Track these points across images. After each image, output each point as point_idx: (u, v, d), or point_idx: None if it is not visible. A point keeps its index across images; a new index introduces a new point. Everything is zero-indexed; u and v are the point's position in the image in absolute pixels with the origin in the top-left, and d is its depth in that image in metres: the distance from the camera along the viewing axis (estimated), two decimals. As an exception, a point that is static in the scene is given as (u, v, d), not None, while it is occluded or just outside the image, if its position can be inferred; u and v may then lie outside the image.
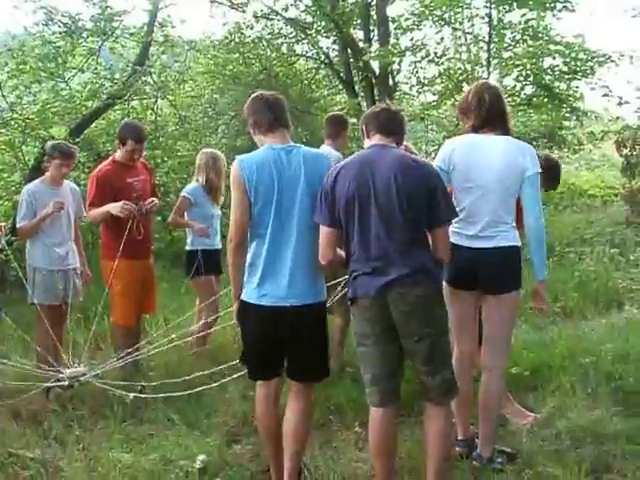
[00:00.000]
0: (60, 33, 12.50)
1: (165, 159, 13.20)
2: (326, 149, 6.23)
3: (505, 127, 4.48)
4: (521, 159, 4.34)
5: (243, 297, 4.19)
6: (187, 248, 6.89)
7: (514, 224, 4.46)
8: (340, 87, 17.49)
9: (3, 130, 10.77)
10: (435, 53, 14.46)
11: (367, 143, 4.11)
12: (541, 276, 4.48)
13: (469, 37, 14.84)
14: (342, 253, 4.08)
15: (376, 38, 15.35)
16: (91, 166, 11.05)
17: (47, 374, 5.67)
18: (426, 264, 3.88)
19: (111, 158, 6.43)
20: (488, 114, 4.44)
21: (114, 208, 5.97)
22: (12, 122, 10.91)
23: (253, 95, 4.37)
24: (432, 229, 3.95)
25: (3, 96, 11.33)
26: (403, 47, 14.33)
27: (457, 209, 4.16)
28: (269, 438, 4.30)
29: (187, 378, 5.39)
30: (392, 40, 14.67)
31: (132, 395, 5.30)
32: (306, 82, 17.47)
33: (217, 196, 6.91)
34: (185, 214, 6.82)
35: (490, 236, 4.36)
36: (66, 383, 5.55)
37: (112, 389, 5.43)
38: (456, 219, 4.19)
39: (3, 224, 6.28)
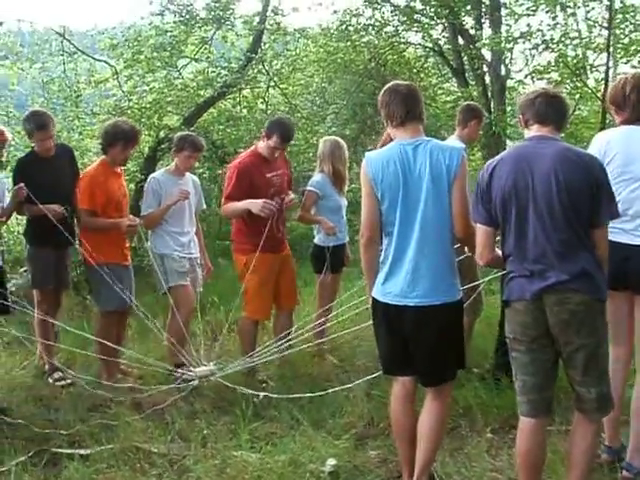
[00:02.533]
0: (175, 22, 12.56)
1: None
2: (451, 139, 6.01)
3: None
4: None
5: (373, 293, 4.11)
6: (317, 243, 6.65)
7: None
8: (449, 75, 17.14)
9: (120, 118, 10.86)
10: (551, 39, 13.92)
11: (526, 134, 3.84)
12: None
13: (583, 22, 14.30)
14: (500, 252, 3.84)
15: (488, 25, 14.92)
16: (205, 155, 11.08)
17: (177, 372, 5.69)
18: (589, 269, 3.58)
19: (253, 148, 6.20)
20: None
21: (254, 206, 5.77)
22: (128, 111, 11.01)
23: (386, 87, 4.19)
24: (592, 228, 3.65)
25: (120, 85, 11.46)
26: (516, 34, 13.87)
27: None
28: (403, 440, 4.15)
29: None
30: (504, 27, 14.23)
31: (262, 395, 5.16)
32: (415, 70, 17.16)
33: (343, 186, 6.65)
34: (312, 208, 6.55)
35: None
36: (196, 382, 5.45)
37: (240, 388, 5.32)
38: None
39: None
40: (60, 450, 4.78)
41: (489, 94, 15.02)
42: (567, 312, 3.54)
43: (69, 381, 6.15)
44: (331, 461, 4.35)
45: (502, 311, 4.13)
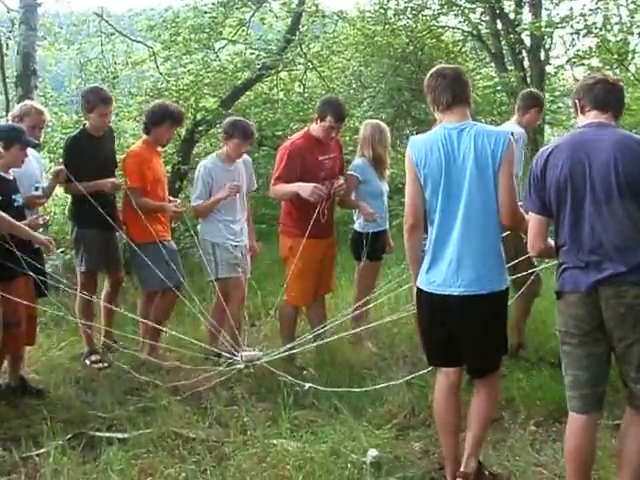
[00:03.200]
0: (213, 4, 12.47)
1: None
2: (509, 125, 5.89)
3: None
4: None
5: (417, 283, 4.03)
6: (356, 229, 6.50)
7: None
8: (487, 60, 16.92)
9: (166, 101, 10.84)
10: (593, 24, 13.66)
11: (582, 120, 3.70)
12: None
13: (624, 8, 14.00)
14: (552, 242, 3.72)
15: (527, 9, 14.68)
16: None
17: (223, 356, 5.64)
18: None
19: (305, 130, 6.07)
20: None
21: (304, 190, 5.61)
22: (166, 93, 10.97)
23: (432, 71, 4.09)
24: None
25: (157, 67, 11.42)
26: (557, 18, 13.62)
27: None
28: (446, 433, 4.08)
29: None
30: (545, 11, 14.00)
31: (308, 385, 5.07)
32: (452, 55, 16.95)
33: (384, 171, 6.48)
34: (353, 193, 6.39)
35: None
36: (242, 366, 5.38)
37: (285, 375, 5.25)
38: None
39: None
40: (98, 434, 4.75)
41: (528, 80, 14.79)
42: (623, 306, 3.41)
43: (106, 364, 6.13)
44: (372, 452, 4.25)
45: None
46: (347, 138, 11.69)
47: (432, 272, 3.93)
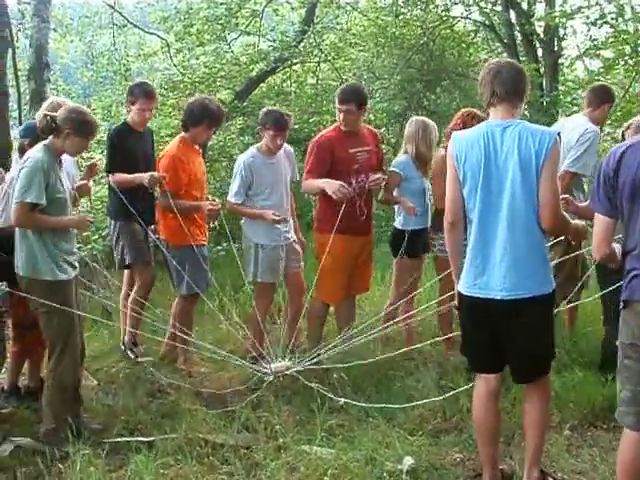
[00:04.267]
0: (227, -6, 12.36)
1: (325, 124, 12.86)
2: (581, 120, 5.78)
3: None
4: None
5: (458, 286, 3.92)
6: (397, 226, 6.27)
7: None
8: (500, 50, 16.76)
9: (171, 94, 10.71)
10: (609, 13, 13.48)
11: None
12: None
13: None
14: (616, 247, 3.56)
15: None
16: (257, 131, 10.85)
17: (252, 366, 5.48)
18: None
19: (336, 124, 5.91)
20: None
21: (330, 187, 5.46)
22: (180, 85, 10.84)
23: (485, 65, 3.96)
24: None
25: (170, 58, 11.30)
26: (570, 8, 13.44)
27: None
28: (485, 439, 3.99)
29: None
30: (558, 0, 13.84)
31: (343, 401, 4.88)
32: (464, 45, 16.80)
33: (427, 168, 6.26)
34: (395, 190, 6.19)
35: None
36: (271, 378, 5.23)
37: (318, 386, 5.08)
38: None
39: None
40: (124, 439, 4.63)
41: (541, 71, 14.65)
42: None
43: (141, 359, 6.04)
44: (408, 460, 4.14)
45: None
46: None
47: (473, 274, 3.82)
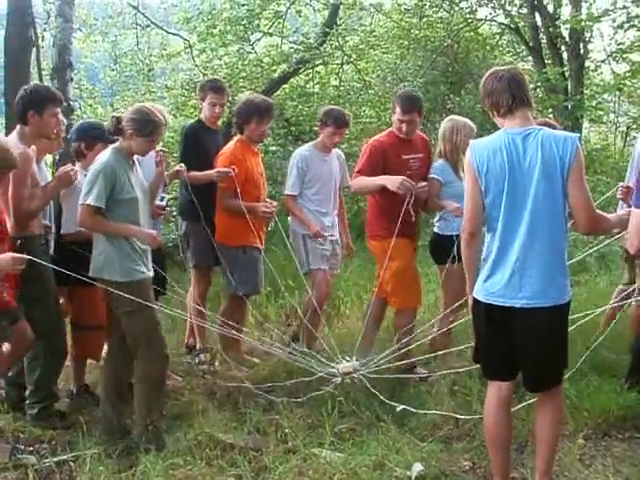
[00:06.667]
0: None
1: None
2: None
3: None
4: None
5: (474, 293, 3.90)
6: (436, 231, 6.07)
7: None
8: (525, 54, 16.66)
9: (193, 94, 10.75)
10: (636, 16, 13.35)
11: None
12: None
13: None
14: None
15: (567, 1, 14.40)
16: (280, 133, 10.87)
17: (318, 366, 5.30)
18: None
19: (389, 129, 5.89)
20: None
21: (392, 183, 5.39)
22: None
23: (488, 72, 3.94)
24: None
25: (193, 59, 11.34)
26: (597, 11, 13.34)
27: None
28: (496, 447, 3.94)
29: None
30: (585, 3, 13.73)
31: (401, 407, 4.77)
32: (488, 48, 16.72)
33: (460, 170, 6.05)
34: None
35: None
36: (338, 380, 5.12)
37: (377, 393, 4.96)
38: None
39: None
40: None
41: (567, 74, 14.54)
42: None
43: (211, 367, 6.05)
44: (418, 466, 4.10)
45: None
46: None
47: (491, 281, 3.80)
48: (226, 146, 6.15)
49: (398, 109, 5.62)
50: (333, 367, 5.16)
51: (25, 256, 4.36)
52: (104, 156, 4.58)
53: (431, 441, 4.50)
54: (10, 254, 4.33)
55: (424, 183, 5.68)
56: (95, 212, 4.47)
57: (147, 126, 4.58)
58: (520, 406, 4.56)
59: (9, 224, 4.67)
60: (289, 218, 6.27)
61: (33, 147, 4.85)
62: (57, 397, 5.16)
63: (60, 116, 5.15)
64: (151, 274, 4.73)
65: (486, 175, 3.72)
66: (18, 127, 4.93)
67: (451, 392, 5.16)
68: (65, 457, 4.44)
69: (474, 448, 4.50)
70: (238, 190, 5.72)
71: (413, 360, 5.63)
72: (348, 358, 5.21)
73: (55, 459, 4.40)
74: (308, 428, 4.73)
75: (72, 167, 5.04)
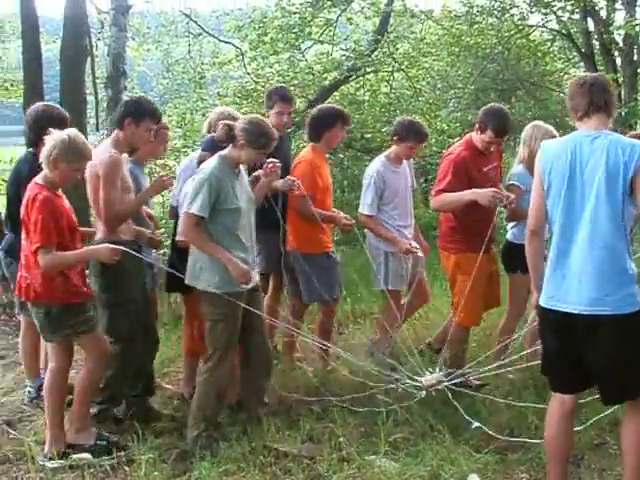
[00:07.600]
0: (301, 4, 12.41)
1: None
2: None
3: None
4: None
5: (539, 298, 3.86)
6: (509, 239, 5.91)
7: None
8: (576, 60, 16.48)
9: (245, 102, 10.81)
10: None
11: None
12: None
13: None
14: None
15: (621, 3, 14.22)
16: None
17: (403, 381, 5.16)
18: None
19: (467, 139, 5.69)
20: None
21: (482, 197, 5.19)
22: (254, 94, 10.93)
23: (571, 79, 3.98)
24: None
25: (245, 67, 11.41)
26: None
27: None
28: (556, 460, 3.87)
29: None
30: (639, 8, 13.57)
31: (476, 424, 4.64)
32: (540, 54, 16.56)
33: None
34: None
35: None
36: (423, 393, 4.97)
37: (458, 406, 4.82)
38: None
39: None
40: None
41: (620, 81, 14.36)
42: None
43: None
44: (474, 477, 4.05)
45: None
46: (433, 140, 11.47)
47: (551, 287, 3.76)
48: (300, 154, 6.14)
49: (490, 132, 5.43)
50: (417, 380, 5.02)
51: (121, 247, 4.46)
52: (210, 164, 4.62)
53: (486, 452, 4.44)
54: (107, 244, 4.45)
55: (513, 195, 5.40)
56: (198, 221, 4.52)
57: (260, 138, 4.61)
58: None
59: (99, 227, 4.79)
60: (367, 232, 6.12)
61: (125, 155, 4.92)
62: (119, 402, 5.15)
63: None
64: (246, 287, 4.69)
65: (549, 175, 3.72)
66: (114, 132, 4.98)
67: (507, 404, 5.06)
68: (122, 455, 4.47)
69: (529, 460, 4.41)
70: (310, 198, 5.61)
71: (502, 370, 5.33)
72: (431, 369, 5.11)
73: (108, 459, 4.42)
74: (362, 437, 4.70)
75: (167, 175, 5.09)
